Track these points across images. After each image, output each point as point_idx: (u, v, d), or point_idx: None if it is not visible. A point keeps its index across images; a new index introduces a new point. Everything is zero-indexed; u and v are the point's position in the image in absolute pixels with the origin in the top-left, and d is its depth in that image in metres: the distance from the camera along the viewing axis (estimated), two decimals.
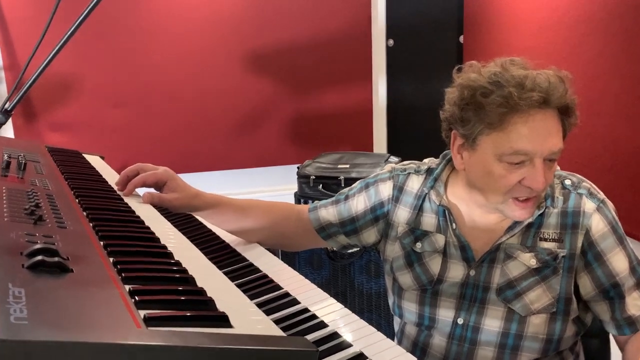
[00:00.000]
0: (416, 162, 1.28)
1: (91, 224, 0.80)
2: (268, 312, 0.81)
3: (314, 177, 2.40)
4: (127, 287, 0.58)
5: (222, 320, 0.55)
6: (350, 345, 0.78)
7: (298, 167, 2.52)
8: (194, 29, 2.80)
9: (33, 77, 1.17)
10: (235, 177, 2.80)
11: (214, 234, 1.22)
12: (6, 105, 1.18)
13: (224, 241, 1.18)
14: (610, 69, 1.71)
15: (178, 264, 0.71)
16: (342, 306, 0.92)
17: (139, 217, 0.93)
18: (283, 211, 1.31)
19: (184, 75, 2.84)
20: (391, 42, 2.97)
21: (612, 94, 1.74)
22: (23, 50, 2.67)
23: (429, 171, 1.22)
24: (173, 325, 0.50)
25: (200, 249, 0.89)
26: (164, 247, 0.78)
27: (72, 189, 1.02)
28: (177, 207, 1.17)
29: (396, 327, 1.30)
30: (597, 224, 1.09)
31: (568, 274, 1.09)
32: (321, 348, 0.75)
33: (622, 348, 1.11)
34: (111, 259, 0.66)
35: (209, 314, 0.55)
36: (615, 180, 1.70)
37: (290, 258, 2.39)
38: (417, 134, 2.77)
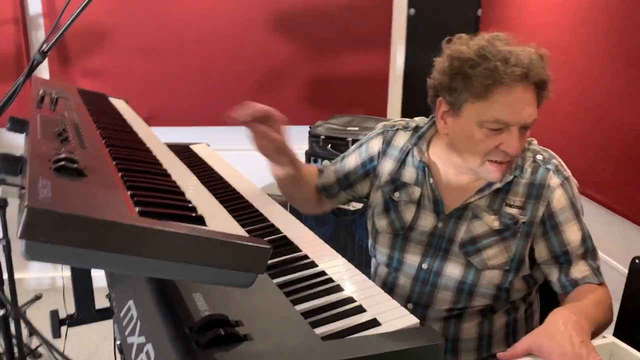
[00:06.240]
0: (406, 119, 1.40)
1: (107, 149, 0.96)
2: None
3: (323, 137, 2.53)
4: (129, 192, 0.73)
5: (200, 221, 0.70)
6: (364, 311, 0.82)
7: (310, 127, 2.66)
8: None
9: (68, 22, 1.32)
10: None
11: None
12: (43, 47, 1.34)
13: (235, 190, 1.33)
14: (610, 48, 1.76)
15: (174, 183, 0.86)
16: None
17: (148, 147, 1.09)
18: (312, 176, 1.47)
19: (208, 32, 2.96)
20: (412, 10, 3.03)
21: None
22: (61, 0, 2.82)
23: (416, 129, 1.35)
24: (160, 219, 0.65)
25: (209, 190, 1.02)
26: (165, 170, 0.93)
27: (95, 122, 1.18)
28: (278, 148, 1.22)
29: (372, 269, 1.45)
30: (559, 198, 1.20)
31: (525, 238, 1.21)
32: (336, 311, 0.81)
33: (561, 301, 1.23)
34: (120, 173, 0.82)
35: (189, 214, 0.71)
36: (622, 163, 1.75)
37: (298, 214, 2.55)
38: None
